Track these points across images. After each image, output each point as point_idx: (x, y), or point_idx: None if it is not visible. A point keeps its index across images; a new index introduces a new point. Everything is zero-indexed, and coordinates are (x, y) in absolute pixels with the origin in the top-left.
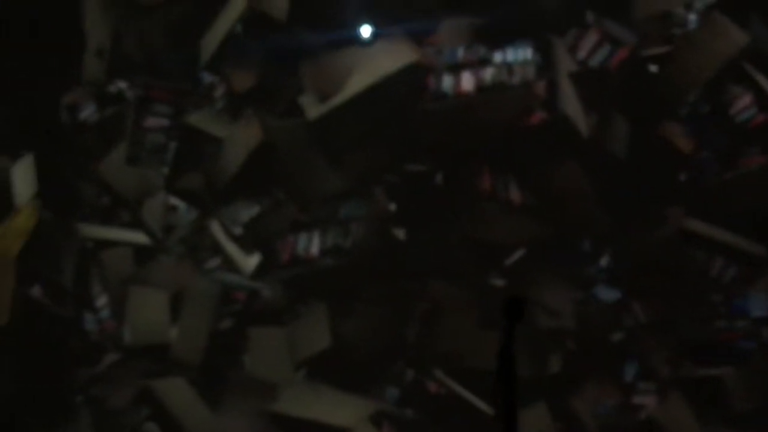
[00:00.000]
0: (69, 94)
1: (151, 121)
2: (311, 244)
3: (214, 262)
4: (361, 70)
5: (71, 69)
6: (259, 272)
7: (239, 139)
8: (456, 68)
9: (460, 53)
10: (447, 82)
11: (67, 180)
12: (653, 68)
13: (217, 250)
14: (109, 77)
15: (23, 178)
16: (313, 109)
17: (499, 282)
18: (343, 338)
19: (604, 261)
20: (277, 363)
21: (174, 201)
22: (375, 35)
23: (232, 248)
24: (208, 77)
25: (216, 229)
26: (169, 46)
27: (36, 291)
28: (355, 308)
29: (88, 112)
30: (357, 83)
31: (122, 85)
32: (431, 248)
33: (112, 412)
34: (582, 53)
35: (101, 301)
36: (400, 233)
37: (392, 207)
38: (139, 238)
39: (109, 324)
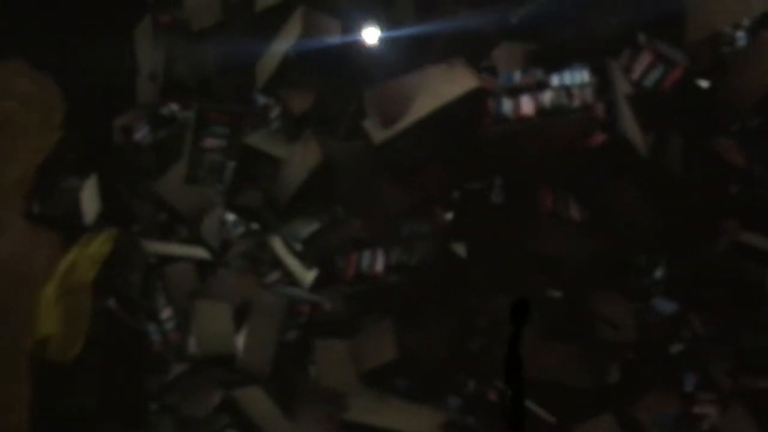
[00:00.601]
0: (122, 117)
1: (209, 142)
2: (375, 261)
3: (273, 276)
4: (424, 96)
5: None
6: (318, 286)
7: (298, 160)
8: (514, 92)
9: (517, 77)
10: (507, 105)
11: (124, 198)
12: (704, 84)
13: (276, 264)
14: (162, 100)
15: (89, 197)
16: (378, 133)
17: (557, 294)
18: (407, 350)
19: (661, 273)
20: (342, 374)
21: (227, 216)
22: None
23: (292, 262)
24: (261, 99)
25: (277, 244)
26: (221, 70)
27: (111, 303)
28: (418, 322)
29: (142, 134)
30: (421, 108)
31: (174, 107)
32: (492, 264)
33: (192, 420)
34: (636, 74)
35: (165, 313)
36: (461, 250)
37: (453, 225)
38: (200, 253)
39: (172, 335)
